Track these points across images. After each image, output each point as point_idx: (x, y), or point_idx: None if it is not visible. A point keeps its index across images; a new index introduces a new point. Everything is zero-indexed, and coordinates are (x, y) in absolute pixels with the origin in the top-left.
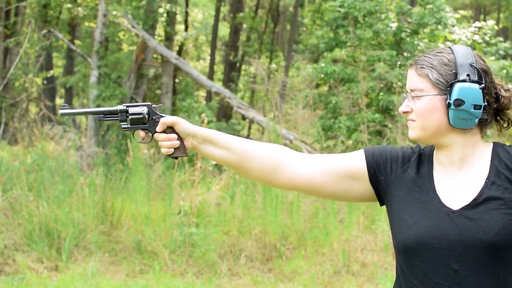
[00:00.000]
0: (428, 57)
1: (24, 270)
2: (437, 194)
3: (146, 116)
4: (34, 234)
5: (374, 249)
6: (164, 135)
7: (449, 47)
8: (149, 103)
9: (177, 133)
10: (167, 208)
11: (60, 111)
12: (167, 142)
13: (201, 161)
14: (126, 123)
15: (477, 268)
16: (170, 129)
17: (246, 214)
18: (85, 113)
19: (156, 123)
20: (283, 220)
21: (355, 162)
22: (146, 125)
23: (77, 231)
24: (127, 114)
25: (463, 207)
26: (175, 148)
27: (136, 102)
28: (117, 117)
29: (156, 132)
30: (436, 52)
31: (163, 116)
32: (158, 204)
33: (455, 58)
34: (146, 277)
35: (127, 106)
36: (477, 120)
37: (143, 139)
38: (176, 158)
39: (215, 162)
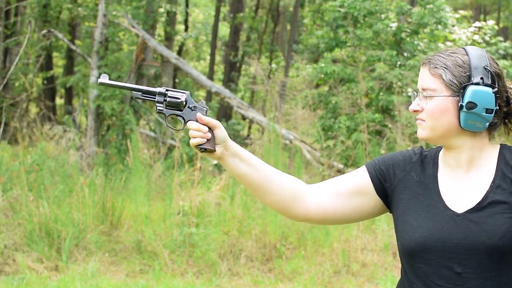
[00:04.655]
0: (442, 57)
1: (24, 270)
2: (441, 197)
3: (184, 103)
4: (34, 234)
5: (374, 249)
6: (198, 124)
7: (463, 48)
8: (188, 92)
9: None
10: (167, 208)
11: (99, 80)
12: (199, 132)
13: (200, 161)
14: (162, 105)
15: (480, 271)
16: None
17: (246, 214)
18: (124, 88)
19: (192, 112)
20: (283, 220)
21: (360, 178)
22: (182, 112)
23: (77, 231)
24: (165, 97)
25: (468, 210)
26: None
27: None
28: (154, 98)
29: (190, 120)
30: (450, 53)
31: (203, 109)
32: (158, 204)
33: (470, 60)
34: (146, 277)
35: (167, 90)
36: (487, 123)
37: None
38: (205, 150)
39: (215, 162)
